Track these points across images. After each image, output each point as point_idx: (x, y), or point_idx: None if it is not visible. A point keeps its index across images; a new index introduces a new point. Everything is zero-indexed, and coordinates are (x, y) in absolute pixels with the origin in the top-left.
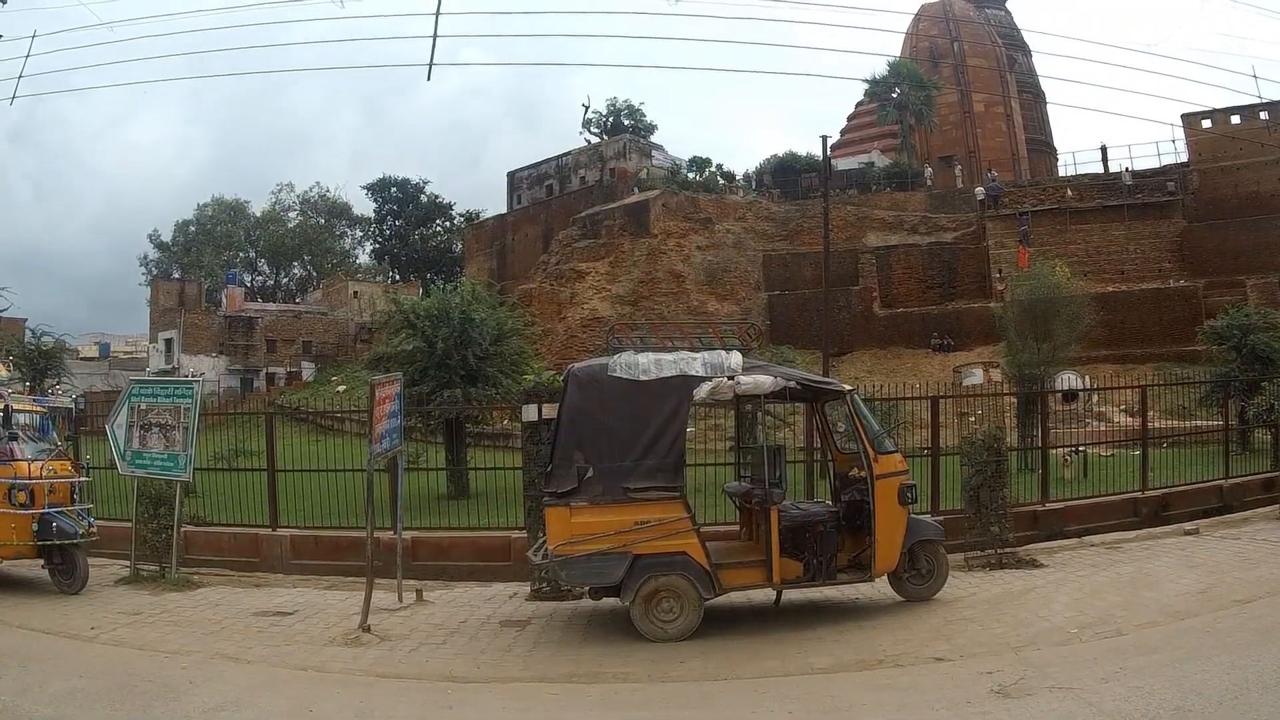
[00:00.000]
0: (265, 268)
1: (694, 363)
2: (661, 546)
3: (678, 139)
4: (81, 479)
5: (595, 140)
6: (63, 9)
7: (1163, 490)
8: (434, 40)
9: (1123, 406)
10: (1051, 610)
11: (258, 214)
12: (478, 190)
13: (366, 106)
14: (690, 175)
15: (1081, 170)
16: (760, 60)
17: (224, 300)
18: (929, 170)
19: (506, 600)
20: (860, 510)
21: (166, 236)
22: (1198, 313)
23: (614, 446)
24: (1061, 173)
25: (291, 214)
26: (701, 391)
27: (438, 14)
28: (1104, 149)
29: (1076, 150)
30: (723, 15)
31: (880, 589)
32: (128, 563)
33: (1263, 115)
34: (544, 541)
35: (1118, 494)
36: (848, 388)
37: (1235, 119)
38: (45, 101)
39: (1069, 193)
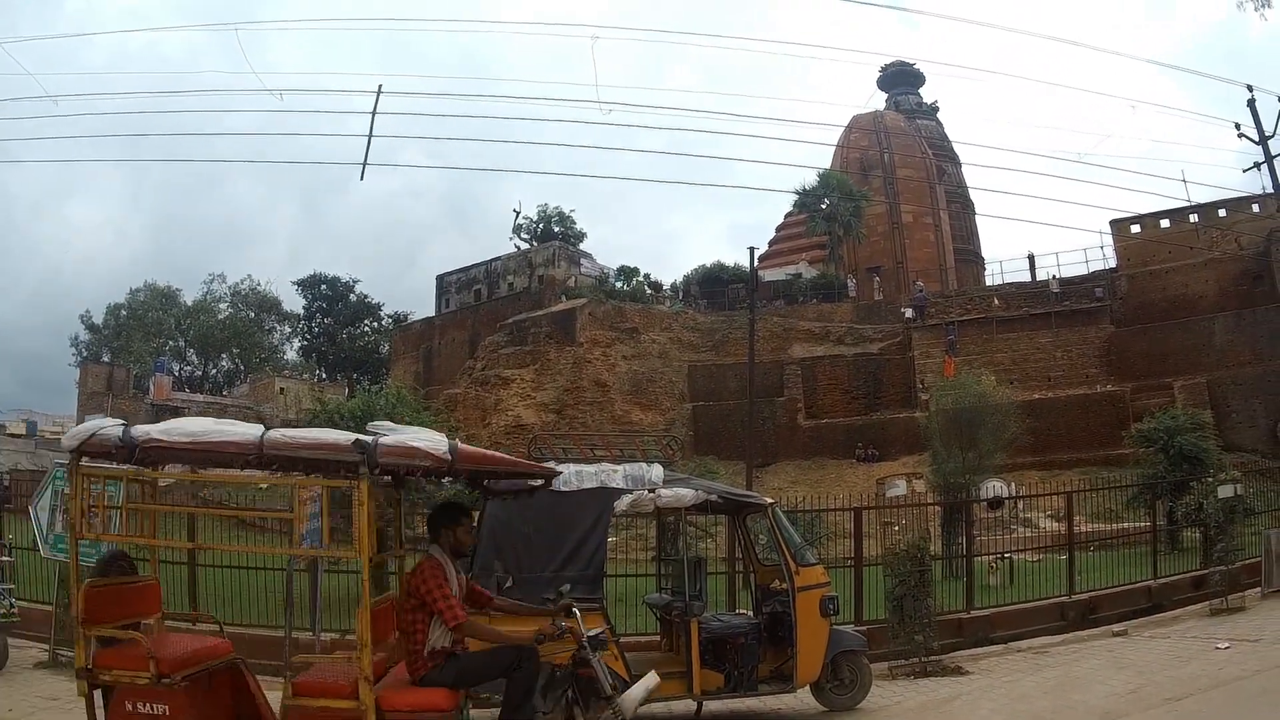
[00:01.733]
0: (194, 358)
1: (615, 475)
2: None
3: (607, 246)
4: (4, 559)
5: (525, 246)
6: (10, 76)
7: (1090, 594)
8: (369, 140)
9: (1049, 512)
10: (977, 717)
11: (189, 303)
12: (412, 291)
13: (304, 201)
14: (618, 284)
15: (1009, 279)
16: (692, 171)
17: (152, 388)
18: (852, 281)
19: None
20: (782, 622)
21: (99, 318)
22: (1125, 416)
23: (534, 557)
24: (989, 282)
25: (222, 305)
26: (622, 504)
27: (374, 113)
28: (1031, 258)
29: (1004, 259)
30: (655, 126)
31: (803, 699)
32: (47, 646)
33: (1193, 218)
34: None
35: (1044, 599)
36: (769, 501)
37: (1164, 223)
38: None
39: (996, 302)
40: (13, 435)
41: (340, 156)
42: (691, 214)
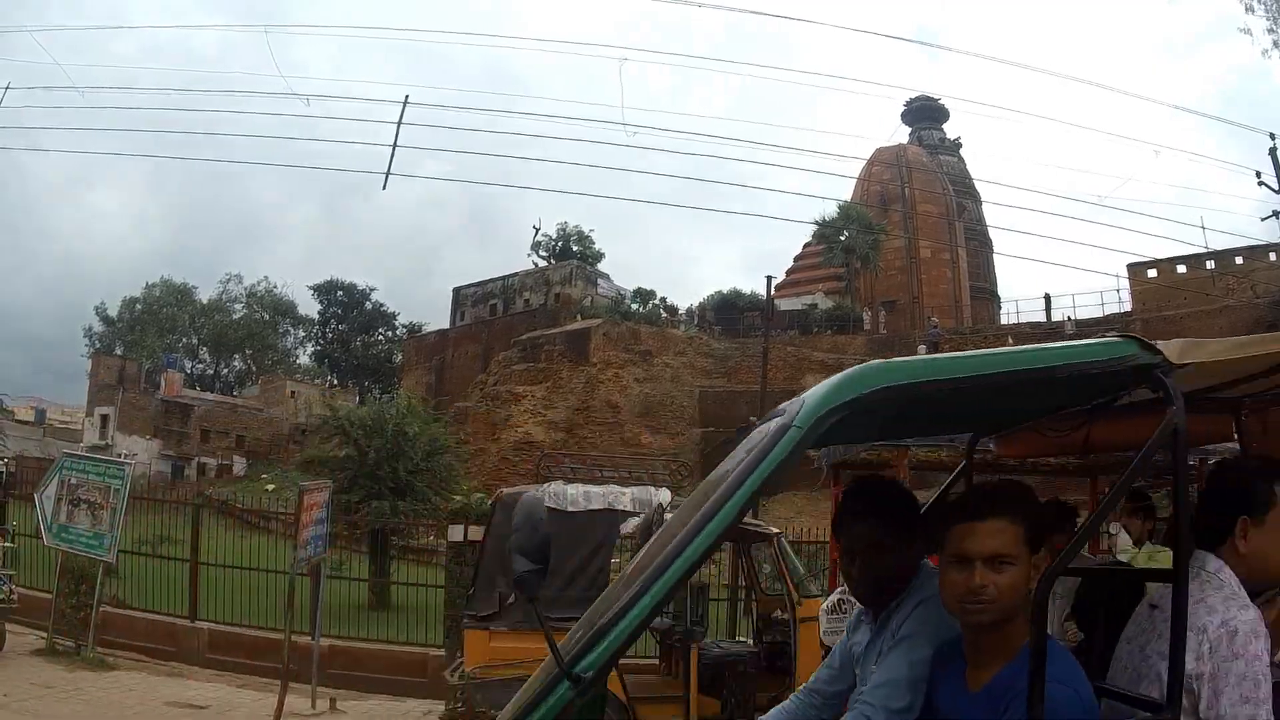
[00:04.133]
0: (206, 356)
1: (622, 497)
2: None
3: (624, 267)
4: (6, 545)
5: (543, 264)
6: (38, 65)
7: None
8: (393, 149)
9: None
10: None
11: (204, 301)
12: (428, 301)
13: (325, 205)
14: (633, 306)
15: (1025, 319)
16: (713, 198)
17: (163, 383)
18: (867, 314)
19: (420, 717)
20: (782, 652)
21: (113, 310)
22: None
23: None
24: (1004, 321)
25: (237, 305)
26: (628, 527)
27: (399, 123)
28: (1047, 298)
29: (1021, 298)
30: (679, 150)
31: None
32: (45, 634)
33: (1209, 264)
34: (461, 662)
35: None
36: (775, 530)
37: (1181, 268)
38: (9, 154)
39: (1010, 341)
40: (20, 422)
41: (364, 163)
42: (709, 240)
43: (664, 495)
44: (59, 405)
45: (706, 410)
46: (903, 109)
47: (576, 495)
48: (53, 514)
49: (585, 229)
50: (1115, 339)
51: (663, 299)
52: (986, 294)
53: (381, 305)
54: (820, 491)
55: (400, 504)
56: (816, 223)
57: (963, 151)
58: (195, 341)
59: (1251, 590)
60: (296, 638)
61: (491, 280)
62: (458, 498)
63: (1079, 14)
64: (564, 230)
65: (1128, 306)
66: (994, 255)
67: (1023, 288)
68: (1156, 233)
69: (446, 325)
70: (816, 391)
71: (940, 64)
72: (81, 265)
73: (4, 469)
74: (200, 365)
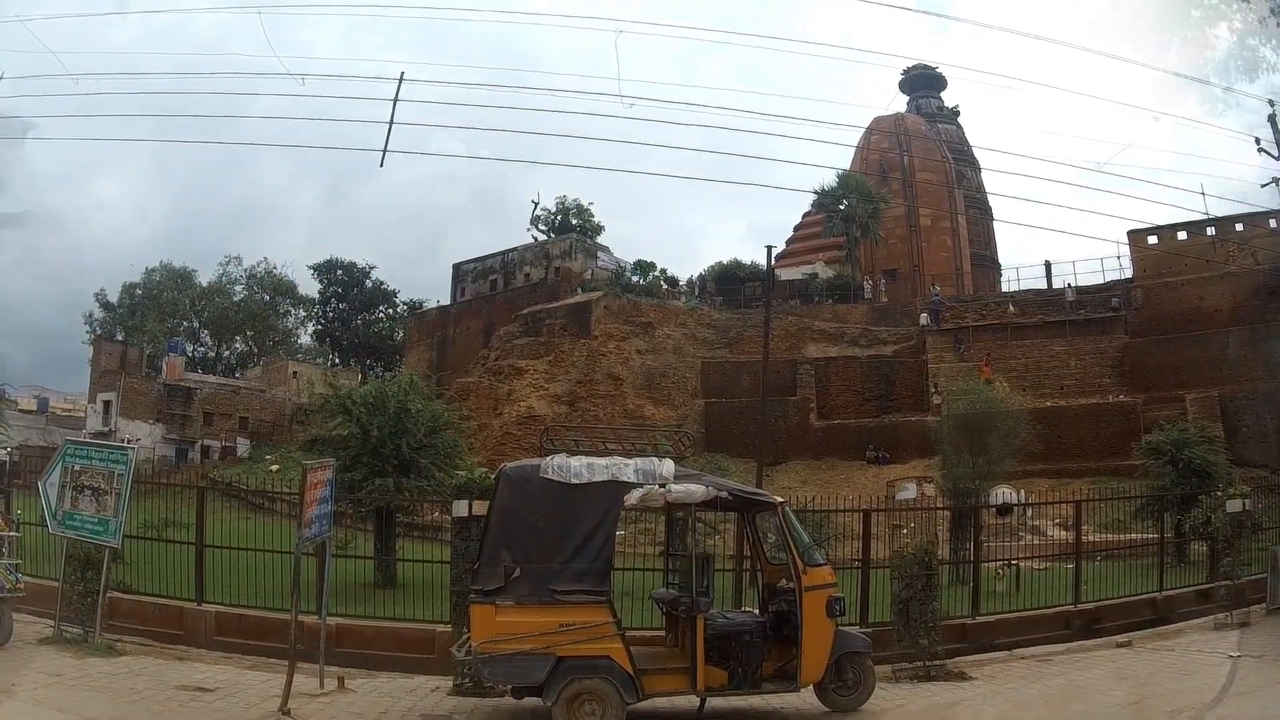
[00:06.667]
0: (207, 339)
1: (626, 469)
2: (586, 649)
3: (629, 241)
4: (11, 534)
5: (542, 238)
6: (34, 55)
7: (1095, 604)
8: (389, 127)
9: (1057, 520)
10: None
11: (204, 284)
12: (432, 279)
13: (330, 186)
14: (634, 279)
15: (1025, 286)
16: (715, 169)
17: (164, 368)
18: (868, 283)
19: (428, 694)
20: (788, 621)
21: (114, 296)
22: (1136, 427)
23: (542, 547)
24: (1005, 288)
25: (237, 287)
26: (632, 498)
27: (395, 100)
28: (1048, 265)
29: (1021, 266)
30: (681, 122)
31: (805, 699)
32: (52, 622)
33: (1209, 231)
34: (468, 637)
35: (1049, 608)
36: (779, 500)
37: (1182, 235)
38: (8, 145)
39: (1011, 308)
40: (24, 411)
41: (371, 142)
42: (712, 213)
43: (668, 466)
44: (62, 394)
45: (709, 381)
46: (900, 78)
47: (580, 468)
48: (57, 501)
49: (585, 202)
50: None
51: (663, 270)
52: (987, 262)
53: (382, 283)
54: (823, 461)
55: (404, 481)
56: (816, 192)
57: (961, 119)
58: (196, 325)
59: None
60: (303, 617)
61: (491, 255)
62: (461, 473)
63: None
64: (563, 204)
65: (1129, 273)
66: (994, 223)
67: (1024, 255)
68: (1157, 199)
69: (448, 301)
70: None
71: (942, 32)
72: (86, 254)
73: (7, 458)
74: (201, 348)
